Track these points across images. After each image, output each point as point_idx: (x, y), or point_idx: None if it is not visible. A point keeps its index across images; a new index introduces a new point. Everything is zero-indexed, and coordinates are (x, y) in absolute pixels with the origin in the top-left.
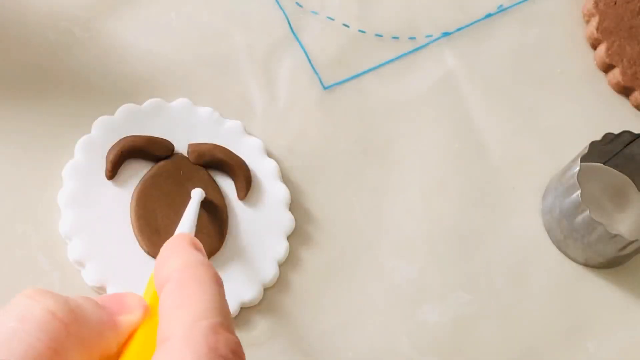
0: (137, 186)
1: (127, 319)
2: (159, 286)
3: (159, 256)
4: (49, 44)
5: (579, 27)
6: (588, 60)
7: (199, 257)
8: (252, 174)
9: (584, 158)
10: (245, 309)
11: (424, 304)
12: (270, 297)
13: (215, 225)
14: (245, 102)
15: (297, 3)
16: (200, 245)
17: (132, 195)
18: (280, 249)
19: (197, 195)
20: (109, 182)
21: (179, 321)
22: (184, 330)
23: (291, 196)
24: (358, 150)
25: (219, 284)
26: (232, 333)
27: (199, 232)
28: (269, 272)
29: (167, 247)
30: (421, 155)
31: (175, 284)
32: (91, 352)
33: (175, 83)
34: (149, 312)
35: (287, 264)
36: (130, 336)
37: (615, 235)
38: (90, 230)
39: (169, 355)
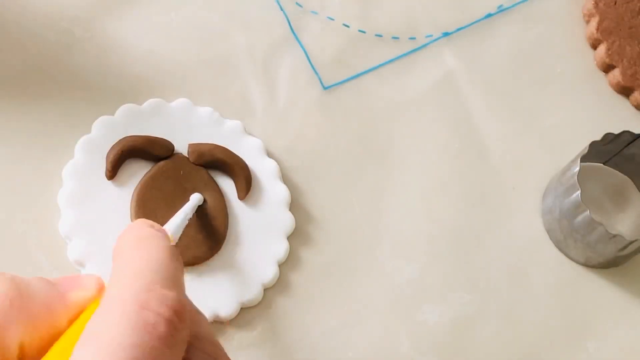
0: (137, 186)
1: (79, 294)
2: (113, 260)
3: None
4: (49, 44)
5: (579, 27)
6: (588, 60)
7: (153, 232)
8: (252, 174)
9: (584, 158)
10: (245, 309)
11: (424, 304)
12: (270, 297)
13: (215, 225)
14: (245, 102)
15: (297, 3)
16: (161, 228)
17: (132, 195)
18: (280, 249)
19: (194, 199)
20: (109, 182)
21: (117, 284)
22: (117, 291)
23: (291, 196)
24: (358, 150)
25: (170, 252)
26: (172, 291)
27: (199, 232)
28: (269, 272)
29: (126, 227)
30: (421, 155)
31: (124, 253)
32: (38, 326)
33: (175, 83)
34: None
35: (287, 264)
36: (82, 311)
37: (615, 236)
38: (90, 230)
39: (100, 317)
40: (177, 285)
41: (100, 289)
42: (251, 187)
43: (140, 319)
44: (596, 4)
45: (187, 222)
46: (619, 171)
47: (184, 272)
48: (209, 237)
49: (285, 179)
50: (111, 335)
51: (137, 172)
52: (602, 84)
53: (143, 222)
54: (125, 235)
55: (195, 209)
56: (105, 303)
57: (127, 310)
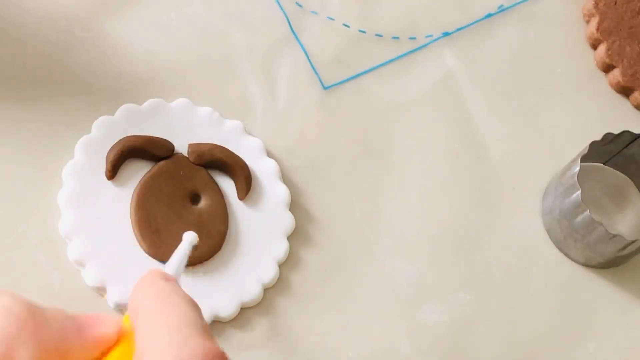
0: (137, 186)
1: (96, 330)
2: (133, 313)
3: (132, 290)
4: (49, 44)
5: (579, 27)
6: (588, 60)
7: (170, 285)
8: (252, 174)
9: (584, 158)
10: (245, 309)
11: (424, 304)
12: (270, 297)
13: (215, 225)
14: (245, 102)
15: (297, 3)
16: (173, 278)
17: (132, 195)
18: (280, 249)
19: (188, 237)
20: (109, 182)
21: (153, 337)
22: (157, 343)
23: (291, 196)
24: (358, 150)
25: (192, 304)
26: (209, 340)
27: (199, 232)
28: (269, 272)
29: (140, 280)
30: (421, 155)
31: (148, 308)
32: (49, 352)
33: (175, 83)
34: (124, 334)
35: (287, 264)
36: (104, 354)
37: (615, 236)
38: (90, 230)
39: None
40: (209, 333)
41: (119, 331)
42: (251, 187)
43: None
44: (596, 4)
45: (186, 262)
46: (619, 171)
47: None
48: (209, 237)
49: (285, 179)
50: None
51: (137, 172)
52: (602, 84)
53: (156, 273)
54: (143, 289)
55: (192, 248)
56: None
57: None
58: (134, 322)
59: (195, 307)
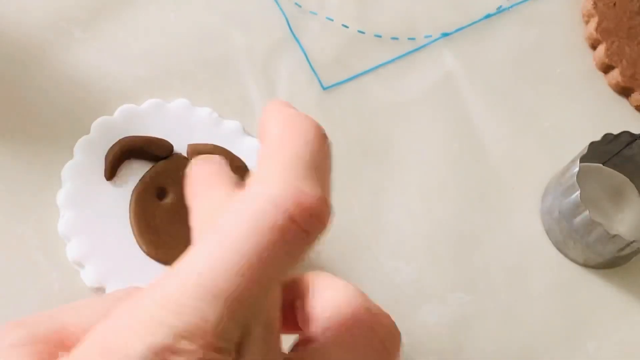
0: (136, 186)
1: None
2: (261, 139)
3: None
4: (48, 44)
5: (578, 27)
6: (587, 60)
7: (300, 112)
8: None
9: (584, 158)
10: None
11: (424, 305)
12: None
13: None
14: (245, 103)
15: (296, 3)
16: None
17: (131, 195)
18: None
19: None
20: (108, 183)
21: (263, 174)
22: (260, 182)
23: None
24: (357, 150)
25: (321, 133)
26: (316, 187)
27: None
28: None
29: (269, 104)
30: (420, 155)
31: (272, 133)
32: None
33: (174, 83)
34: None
35: None
36: None
37: (615, 236)
38: (90, 230)
39: (234, 210)
40: (323, 178)
41: None
42: None
43: (270, 220)
44: (595, 5)
45: None
46: (618, 172)
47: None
48: None
49: None
50: (235, 233)
51: (136, 173)
52: (602, 85)
53: (282, 102)
54: (274, 110)
55: None
56: (246, 194)
57: (260, 209)
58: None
59: (325, 139)
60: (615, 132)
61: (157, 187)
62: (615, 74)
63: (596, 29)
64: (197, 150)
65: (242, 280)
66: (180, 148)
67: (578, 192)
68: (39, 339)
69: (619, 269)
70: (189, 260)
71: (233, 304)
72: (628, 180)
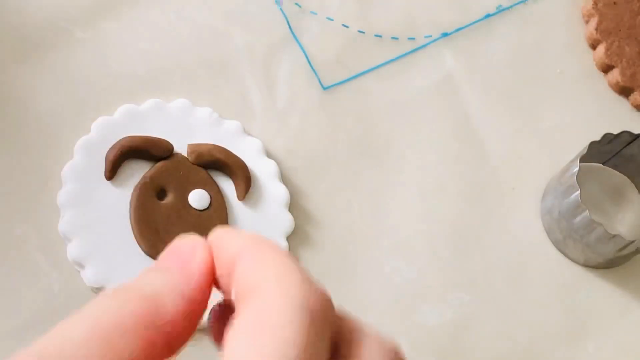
0: (136, 186)
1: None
2: (229, 260)
3: (214, 243)
4: (48, 44)
5: (578, 27)
6: (587, 60)
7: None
8: (251, 174)
9: (584, 158)
10: None
11: (423, 305)
12: None
13: (214, 226)
14: (245, 103)
15: (296, 3)
16: None
17: (132, 195)
18: None
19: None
20: (109, 183)
21: (271, 281)
22: (276, 286)
23: (290, 196)
24: (357, 150)
25: (285, 251)
26: (317, 284)
27: (199, 233)
28: None
29: (222, 232)
30: (420, 155)
31: (258, 250)
32: None
33: (175, 83)
34: None
35: None
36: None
37: (615, 236)
38: (90, 230)
39: (265, 312)
40: (313, 278)
41: None
42: (250, 188)
43: (306, 314)
44: (595, 4)
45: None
46: (618, 171)
47: None
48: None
49: (284, 179)
50: (280, 331)
51: (137, 173)
52: (602, 84)
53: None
54: (239, 237)
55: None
56: (267, 298)
57: (295, 305)
58: (233, 267)
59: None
60: (615, 132)
61: (157, 187)
62: (615, 74)
63: (596, 29)
64: (198, 150)
65: None
66: (180, 148)
67: (578, 192)
68: None
69: (619, 269)
70: None
71: None
72: (628, 180)
